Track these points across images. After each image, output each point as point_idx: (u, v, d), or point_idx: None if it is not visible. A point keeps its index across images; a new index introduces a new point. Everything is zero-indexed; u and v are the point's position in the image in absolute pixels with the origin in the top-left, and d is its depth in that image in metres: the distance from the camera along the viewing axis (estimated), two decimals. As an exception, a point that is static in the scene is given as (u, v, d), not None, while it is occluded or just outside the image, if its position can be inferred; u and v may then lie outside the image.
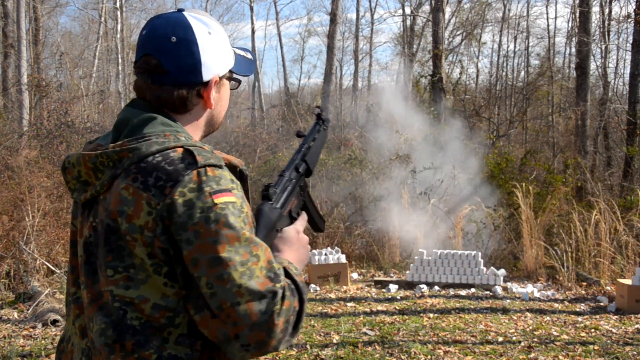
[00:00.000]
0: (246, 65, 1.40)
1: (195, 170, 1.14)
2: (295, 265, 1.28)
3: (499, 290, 6.34)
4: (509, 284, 6.55)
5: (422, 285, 6.47)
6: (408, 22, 21.03)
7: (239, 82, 1.40)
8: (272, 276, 1.14)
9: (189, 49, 1.24)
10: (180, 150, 1.17)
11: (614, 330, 5.04)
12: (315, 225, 1.64)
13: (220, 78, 1.31)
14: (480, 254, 6.67)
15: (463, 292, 6.35)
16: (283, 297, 1.14)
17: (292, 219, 1.45)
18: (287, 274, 1.20)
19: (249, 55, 1.43)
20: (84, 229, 1.23)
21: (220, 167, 1.17)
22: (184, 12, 1.28)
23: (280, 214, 1.39)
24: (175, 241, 1.11)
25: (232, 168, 1.29)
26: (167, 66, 1.24)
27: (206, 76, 1.27)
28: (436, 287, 6.49)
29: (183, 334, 1.16)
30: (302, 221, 1.45)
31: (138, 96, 1.30)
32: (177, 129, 1.23)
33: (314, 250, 6.80)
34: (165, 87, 1.25)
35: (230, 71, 1.35)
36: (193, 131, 1.30)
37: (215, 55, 1.28)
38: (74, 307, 1.25)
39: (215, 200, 1.12)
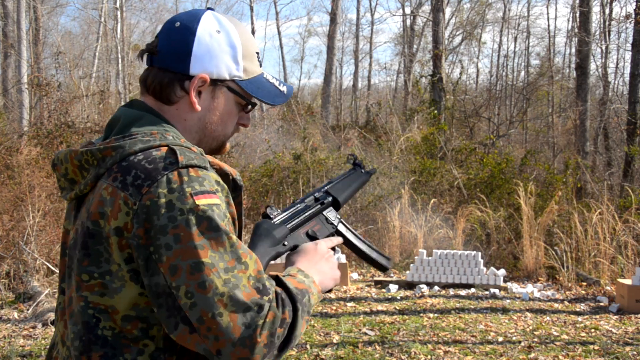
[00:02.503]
0: (269, 92, 1.28)
1: (176, 171, 1.05)
2: (311, 273, 1.18)
3: (497, 292, 6.35)
4: (509, 284, 6.55)
5: (422, 285, 6.47)
6: (408, 22, 21.03)
7: (253, 105, 1.27)
8: (261, 287, 1.05)
9: (184, 35, 1.18)
10: (164, 149, 1.09)
11: (614, 330, 5.04)
12: (376, 262, 1.54)
13: (216, 82, 1.21)
14: (480, 254, 6.67)
15: (463, 292, 6.35)
16: (266, 313, 1.04)
17: (311, 239, 1.37)
18: (280, 282, 1.11)
19: (283, 88, 1.31)
20: (71, 231, 1.18)
21: (204, 168, 1.09)
22: (210, 11, 1.23)
23: (283, 229, 1.32)
24: (148, 248, 1.03)
25: (224, 176, 1.21)
26: (160, 46, 1.18)
27: (193, 69, 1.17)
28: (436, 287, 6.49)
29: (159, 347, 1.08)
30: (328, 241, 1.36)
31: (141, 85, 1.25)
32: (165, 129, 1.16)
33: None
34: (153, 69, 1.20)
35: (238, 85, 1.23)
36: (182, 132, 1.22)
37: (213, 53, 1.19)
38: (60, 313, 1.19)
39: (197, 202, 1.03)
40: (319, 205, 1.43)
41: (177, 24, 1.19)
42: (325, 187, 1.49)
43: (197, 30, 1.18)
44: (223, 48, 1.20)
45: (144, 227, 1.02)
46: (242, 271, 1.04)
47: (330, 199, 1.46)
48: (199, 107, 1.20)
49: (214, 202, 1.05)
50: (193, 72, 1.18)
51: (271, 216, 1.32)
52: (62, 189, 1.21)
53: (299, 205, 1.39)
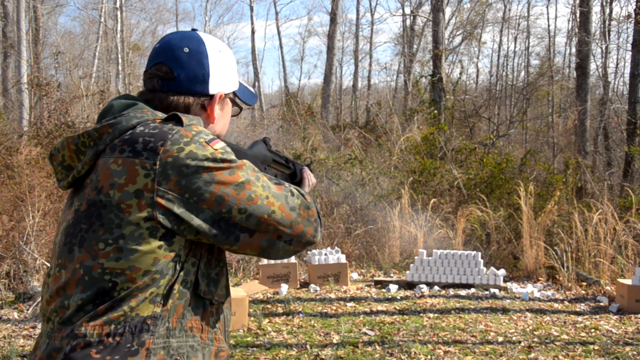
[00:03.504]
0: (249, 95, 1.50)
1: (182, 128, 1.20)
2: None
3: (497, 292, 6.35)
4: (509, 284, 6.54)
5: (422, 285, 6.47)
6: (408, 22, 21.03)
7: (241, 108, 1.50)
8: (278, 182, 1.29)
9: (199, 60, 1.32)
10: (159, 120, 1.24)
11: (614, 330, 5.04)
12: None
13: (225, 96, 1.39)
14: (480, 254, 6.67)
15: (463, 292, 6.35)
16: (301, 194, 1.29)
17: None
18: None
19: (252, 90, 1.53)
20: (66, 216, 1.26)
21: (200, 124, 1.26)
22: (197, 31, 1.38)
23: (272, 159, 1.61)
24: (183, 195, 1.16)
25: None
26: (176, 73, 1.30)
27: (212, 89, 1.34)
28: (436, 287, 6.49)
29: (160, 294, 1.18)
30: None
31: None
32: (155, 112, 1.28)
33: (314, 250, 6.80)
34: (171, 93, 1.31)
35: (234, 94, 1.44)
36: None
37: (223, 73, 1.36)
38: (46, 296, 1.26)
39: (214, 147, 1.20)
40: (288, 169, 1.74)
41: (186, 49, 1.32)
42: (295, 162, 1.79)
43: (208, 53, 1.34)
44: (228, 66, 1.38)
45: (174, 179, 1.16)
46: (263, 176, 1.26)
47: (293, 171, 1.76)
48: (215, 122, 1.38)
49: (223, 144, 1.23)
50: (212, 92, 1.35)
51: (268, 145, 1.62)
52: (59, 180, 1.30)
53: (282, 159, 1.70)
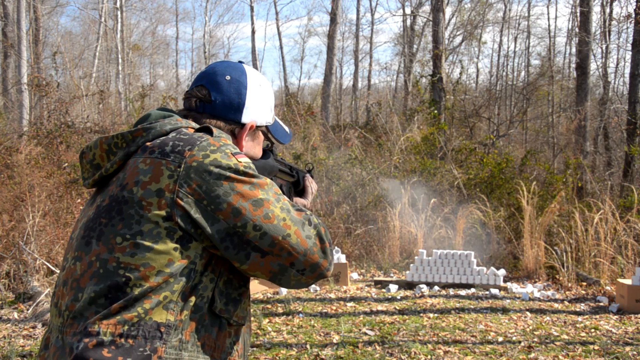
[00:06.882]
0: (283, 134, 1.55)
1: (211, 137, 1.25)
2: None
3: (497, 292, 6.34)
4: (509, 284, 6.54)
5: (422, 285, 6.47)
6: (408, 22, 21.03)
7: (272, 143, 1.55)
8: (299, 208, 1.29)
9: (238, 89, 1.39)
10: (192, 129, 1.29)
11: (614, 330, 5.04)
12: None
13: (257, 128, 1.45)
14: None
15: (463, 292, 6.35)
16: (317, 224, 1.28)
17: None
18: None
19: (288, 130, 1.59)
20: (87, 212, 1.29)
21: (229, 139, 1.30)
22: (244, 64, 1.45)
23: (278, 169, 1.61)
24: (202, 202, 1.18)
25: None
26: (214, 97, 1.37)
27: (245, 119, 1.40)
28: (436, 287, 6.49)
29: (173, 300, 1.18)
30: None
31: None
32: (190, 122, 1.33)
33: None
34: (205, 115, 1.37)
35: (268, 129, 1.49)
36: None
37: (259, 105, 1.42)
38: (59, 289, 1.26)
39: (239, 159, 1.23)
40: (291, 177, 1.74)
41: (227, 77, 1.39)
42: (299, 170, 1.81)
43: (247, 85, 1.40)
44: (265, 100, 1.45)
45: (195, 184, 1.18)
46: (284, 199, 1.27)
47: (296, 178, 1.78)
48: (244, 151, 1.43)
49: (248, 160, 1.26)
50: (244, 121, 1.40)
51: (275, 154, 1.61)
52: (84, 178, 1.34)
53: (287, 167, 1.71)
